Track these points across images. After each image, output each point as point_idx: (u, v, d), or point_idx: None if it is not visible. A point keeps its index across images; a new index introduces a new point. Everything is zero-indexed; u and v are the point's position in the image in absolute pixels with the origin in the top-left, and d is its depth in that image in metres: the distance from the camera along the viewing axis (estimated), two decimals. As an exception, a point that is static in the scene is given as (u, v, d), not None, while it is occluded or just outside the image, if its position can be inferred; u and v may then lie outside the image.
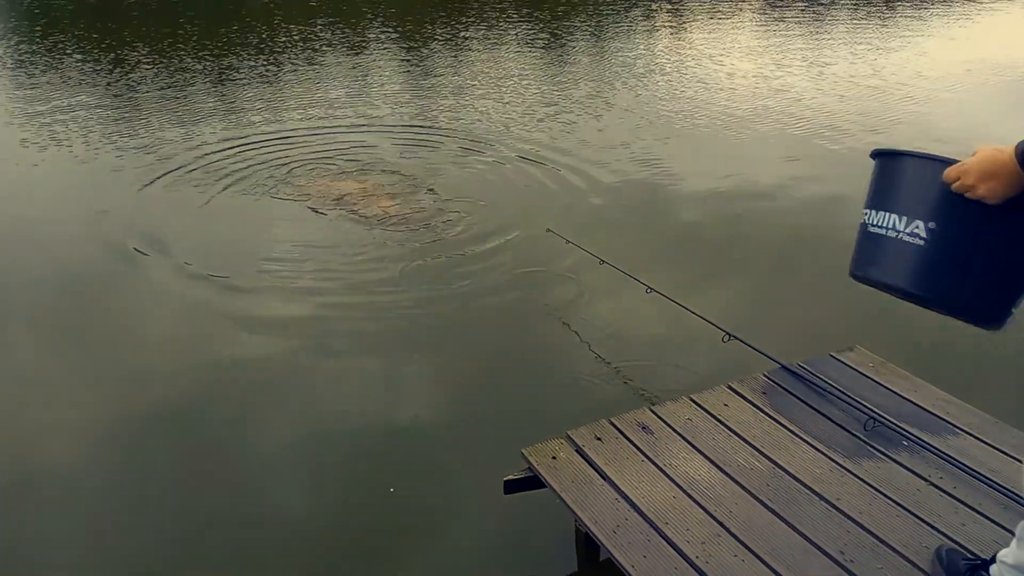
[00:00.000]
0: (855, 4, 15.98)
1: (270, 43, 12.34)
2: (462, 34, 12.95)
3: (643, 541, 2.34)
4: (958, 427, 2.80)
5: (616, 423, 2.85)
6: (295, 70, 10.64)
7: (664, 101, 8.83)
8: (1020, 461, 2.57)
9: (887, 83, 9.47)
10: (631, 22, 14.52)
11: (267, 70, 10.59)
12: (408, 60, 11.44)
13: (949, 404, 2.95)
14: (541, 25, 13.83)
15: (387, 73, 10.56)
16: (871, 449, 2.70)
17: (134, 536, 2.93)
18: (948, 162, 1.56)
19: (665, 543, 2.34)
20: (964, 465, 2.58)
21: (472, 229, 5.50)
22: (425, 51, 11.91)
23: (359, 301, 4.58)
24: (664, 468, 2.65)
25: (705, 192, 6.15)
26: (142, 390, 3.76)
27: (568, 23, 14.17)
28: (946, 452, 2.65)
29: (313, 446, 3.40)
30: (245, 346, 4.16)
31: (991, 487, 2.49)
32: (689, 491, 2.54)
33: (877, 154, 1.79)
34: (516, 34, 12.89)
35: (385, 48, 12.13)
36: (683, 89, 9.36)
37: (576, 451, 2.72)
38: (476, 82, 9.75)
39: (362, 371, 3.94)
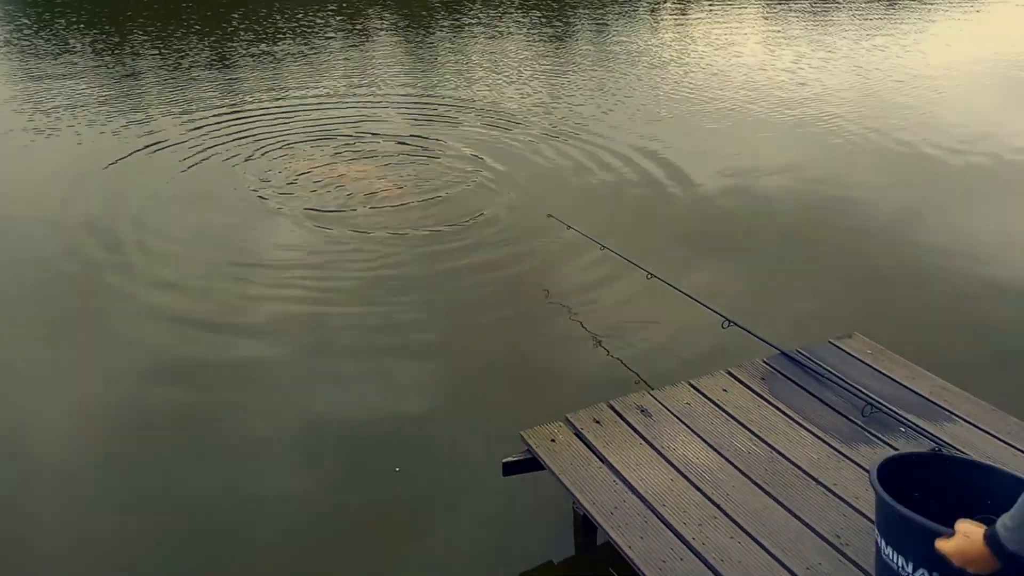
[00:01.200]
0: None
1: (274, 29, 12.29)
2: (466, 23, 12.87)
3: (640, 523, 2.36)
4: (955, 414, 2.81)
5: (615, 406, 2.86)
6: (297, 53, 10.61)
7: (670, 90, 8.79)
8: (1016, 448, 2.60)
9: (896, 74, 9.42)
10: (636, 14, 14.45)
11: (265, 55, 10.55)
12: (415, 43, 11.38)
13: (946, 391, 2.96)
14: (547, 17, 13.76)
15: (389, 57, 10.52)
16: (868, 435, 2.72)
17: (131, 525, 2.93)
18: (937, 531, 1.63)
19: (662, 525, 2.36)
20: (960, 451, 2.60)
21: (472, 213, 5.50)
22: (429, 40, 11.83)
23: (354, 286, 4.59)
24: (662, 451, 2.66)
25: (708, 181, 6.14)
26: (135, 388, 3.71)
27: (569, 16, 14.10)
28: (943, 438, 2.67)
29: (313, 432, 3.41)
30: (243, 333, 4.16)
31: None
32: (687, 474, 2.56)
33: (880, 477, 1.90)
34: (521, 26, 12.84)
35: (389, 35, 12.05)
36: (693, 79, 9.31)
37: (575, 434, 2.74)
38: (483, 67, 9.73)
39: (360, 358, 3.95)
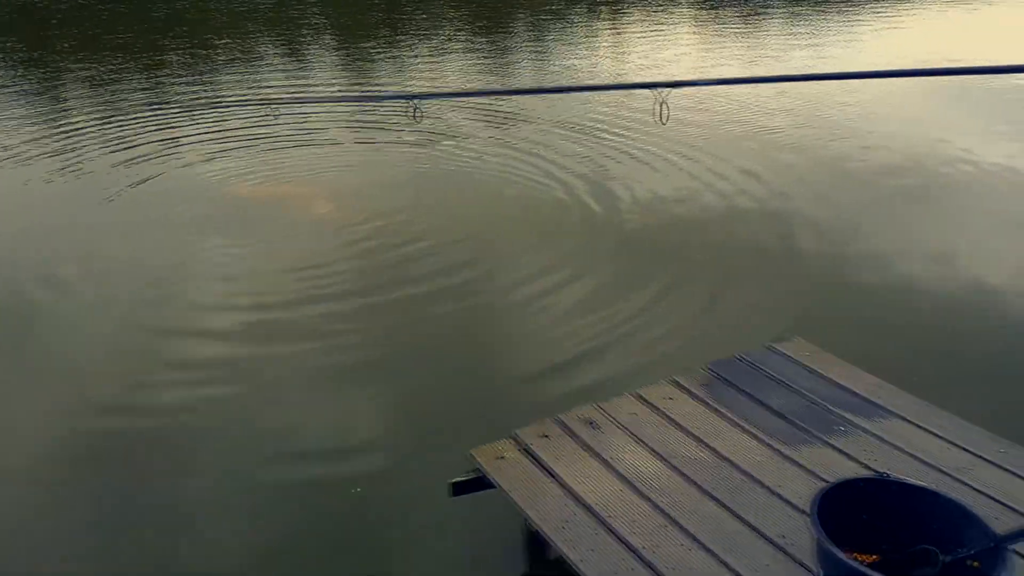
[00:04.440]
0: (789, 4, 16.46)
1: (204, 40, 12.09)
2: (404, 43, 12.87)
3: (591, 536, 2.36)
4: (890, 411, 2.90)
5: (562, 420, 2.87)
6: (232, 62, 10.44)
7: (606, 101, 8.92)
8: (947, 440, 2.69)
9: (827, 85, 9.72)
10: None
11: (200, 62, 10.36)
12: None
13: (881, 388, 3.05)
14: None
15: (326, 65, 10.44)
16: (808, 435, 2.78)
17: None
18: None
19: (612, 536, 2.36)
20: (896, 446, 2.68)
21: (411, 233, 5.47)
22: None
23: (296, 316, 4.48)
24: (610, 462, 2.67)
25: (643, 196, 6.20)
26: (72, 426, 3.58)
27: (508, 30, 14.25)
28: (879, 434, 2.75)
29: (259, 466, 3.32)
30: (180, 370, 4.04)
31: (928, 466, 2.58)
32: (635, 484, 2.57)
33: (829, 499, 1.95)
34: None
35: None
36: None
37: (523, 450, 2.73)
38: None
39: (305, 387, 3.86)
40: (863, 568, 1.78)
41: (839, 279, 4.85)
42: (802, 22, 14.57)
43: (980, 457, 2.62)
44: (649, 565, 2.25)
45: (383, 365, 4.01)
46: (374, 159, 7.20)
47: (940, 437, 2.73)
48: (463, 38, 13.05)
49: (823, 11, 15.54)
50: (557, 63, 11.38)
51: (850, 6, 15.65)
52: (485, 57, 11.80)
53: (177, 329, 4.39)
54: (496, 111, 8.53)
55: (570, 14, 15.48)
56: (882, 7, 15.43)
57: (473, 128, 8.03)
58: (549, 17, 14.94)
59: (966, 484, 2.49)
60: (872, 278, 4.85)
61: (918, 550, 1.91)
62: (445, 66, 10.89)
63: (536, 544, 2.72)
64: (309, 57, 11.59)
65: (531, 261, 4.81)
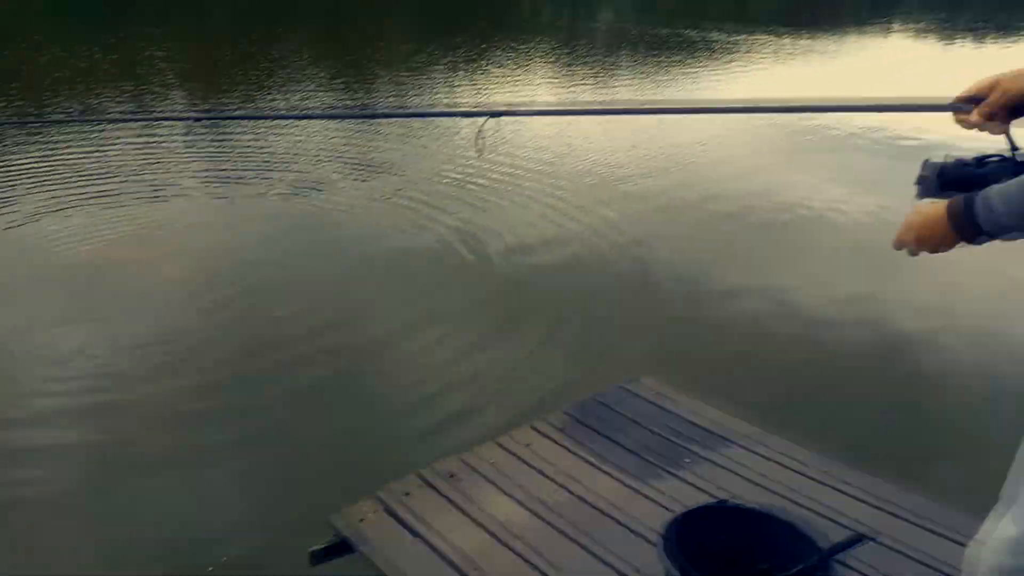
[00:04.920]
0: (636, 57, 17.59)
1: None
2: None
3: (455, 589, 2.36)
4: (731, 439, 3.11)
5: (424, 475, 2.86)
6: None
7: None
8: (782, 463, 2.91)
9: (672, 133, 10.39)
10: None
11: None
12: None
13: (725, 419, 3.26)
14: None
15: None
16: (659, 469, 2.92)
17: None
18: None
19: (477, 588, 2.37)
20: (737, 472, 2.87)
21: (264, 296, 5.33)
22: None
23: (139, 395, 4.20)
24: (474, 515, 2.69)
25: (503, 248, 6.35)
26: None
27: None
28: (722, 463, 2.93)
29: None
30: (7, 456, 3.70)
31: (765, 489, 2.78)
32: (500, 535, 2.60)
33: (677, 535, 2.07)
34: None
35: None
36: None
37: (385, 510, 2.70)
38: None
39: (150, 471, 3.62)
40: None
41: (686, 317, 5.17)
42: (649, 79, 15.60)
43: (810, 477, 2.86)
44: (514, 614, 2.28)
45: (238, 439, 3.84)
46: (229, 214, 6.98)
47: (775, 461, 2.95)
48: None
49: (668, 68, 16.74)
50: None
51: (689, 67, 16.94)
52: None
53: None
54: (362, 162, 8.54)
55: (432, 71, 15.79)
56: (725, 65, 16.81)
57: (338, 177, 7.99)
58: (409, 73, 15.19)
59: (798, 503, 2.70)
60: (715, 315, 5.20)
61: (755, 570, 2.05)
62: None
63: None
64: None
65: (389, 316, 4.81)
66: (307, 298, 5.28)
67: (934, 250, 1.37)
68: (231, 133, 9.80)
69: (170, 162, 8.46)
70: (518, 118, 11.12)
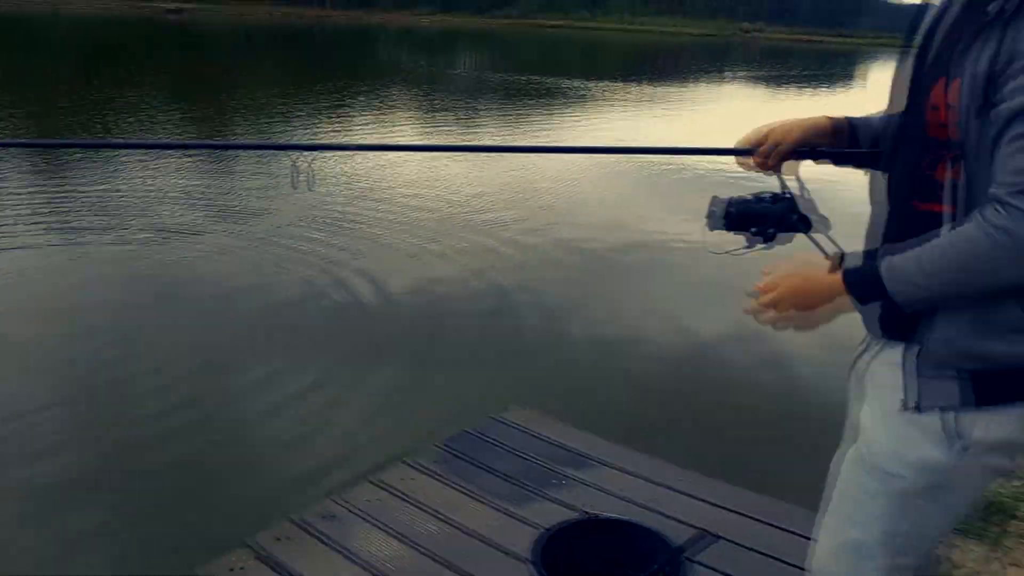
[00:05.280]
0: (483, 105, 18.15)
1: None
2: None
3: (335, 632, 2.33)
4: (599, 460, 3.26)
5: (297, 520, 2.81)
6: None
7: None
8: (644, 478, 3.10)
9: (530, 174, 10.79)
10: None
11: None
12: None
13: (594, 442, 3.42)
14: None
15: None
16: (532, 494, 3.02)
17: None
18: None
19: (358, 628, 2.35)
20: (604, 489, 3.03)
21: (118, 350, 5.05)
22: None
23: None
24: (351, 555, 2.66)
25: (358, 287, 6.34)
26: None
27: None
28: (590, 482, 3.08)
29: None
30: None
31: (630, 503, 2.94)
32: (377, 570, 2.59)
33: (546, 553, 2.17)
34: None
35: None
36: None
37: (256, 557, 2.62)
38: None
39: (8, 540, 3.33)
40: None
41: (552, 349, 5.36)
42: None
43: (669, 488, 3.06)
44: (395, 648, 2.28)
45: (95, 497, 3.60)
46: (71, 265, 6.55)
47: (638, 476, 3.13)
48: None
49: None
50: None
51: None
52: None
53: None
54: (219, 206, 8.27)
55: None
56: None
57: (192, 221, 7.70)
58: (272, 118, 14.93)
59: (659, 511, 2.87)
60: (580, 345, 5.43)
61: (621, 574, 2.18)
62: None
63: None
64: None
65: (252, 363, 4.68)
66: (165, 349, 5.05)
67: (807, 322, 1.35)
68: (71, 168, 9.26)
69: None
70: (385, 155, 11.25)
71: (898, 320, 1.32)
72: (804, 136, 1.53)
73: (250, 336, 5.32)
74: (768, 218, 1.48)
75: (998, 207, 1.13)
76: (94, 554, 3.23)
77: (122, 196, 8.72)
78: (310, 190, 8.33)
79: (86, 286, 6.12)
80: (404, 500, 2.97)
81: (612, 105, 19.03)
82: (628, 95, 20.45)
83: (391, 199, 9.18)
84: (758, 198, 1.50)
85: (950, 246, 1.19)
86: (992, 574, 2.85)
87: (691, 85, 25.04)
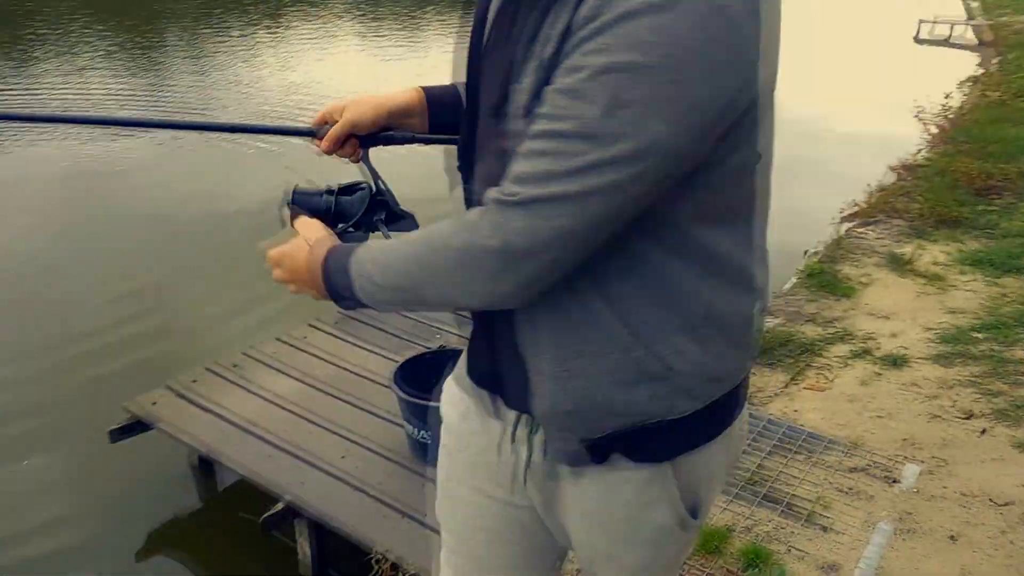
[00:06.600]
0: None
1: None
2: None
3: (239, 440, 2.89)
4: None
5: (209, 367, 3.33)
6: None
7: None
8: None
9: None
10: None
11: None
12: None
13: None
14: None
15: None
16: (415, 345, 3.57)
17: None
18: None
19: (259, 440, 2.91)
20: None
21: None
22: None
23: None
24: (254, 390, 3.21)
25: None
26: None
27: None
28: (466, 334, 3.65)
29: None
30: None
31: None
32: (278, 402, 3.14)
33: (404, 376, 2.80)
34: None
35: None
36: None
37: (175, 394, 3.15)
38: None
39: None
40: (420, 398, 2.57)
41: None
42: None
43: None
44: (286, 451, 2.85)
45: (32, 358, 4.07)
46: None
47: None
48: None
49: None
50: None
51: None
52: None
53: None
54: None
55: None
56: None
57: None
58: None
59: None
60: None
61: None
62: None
63: (205, 473, 3.16)
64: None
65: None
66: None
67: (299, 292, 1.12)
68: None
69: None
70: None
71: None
72: (379, 117, 1.20)
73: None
74: (344, 216, 1.17)
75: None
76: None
77: None
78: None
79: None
80: (303, 351, 3.51)
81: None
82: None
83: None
84: (333, 190, 1.18)
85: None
86: (789, 394, 3.54)
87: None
